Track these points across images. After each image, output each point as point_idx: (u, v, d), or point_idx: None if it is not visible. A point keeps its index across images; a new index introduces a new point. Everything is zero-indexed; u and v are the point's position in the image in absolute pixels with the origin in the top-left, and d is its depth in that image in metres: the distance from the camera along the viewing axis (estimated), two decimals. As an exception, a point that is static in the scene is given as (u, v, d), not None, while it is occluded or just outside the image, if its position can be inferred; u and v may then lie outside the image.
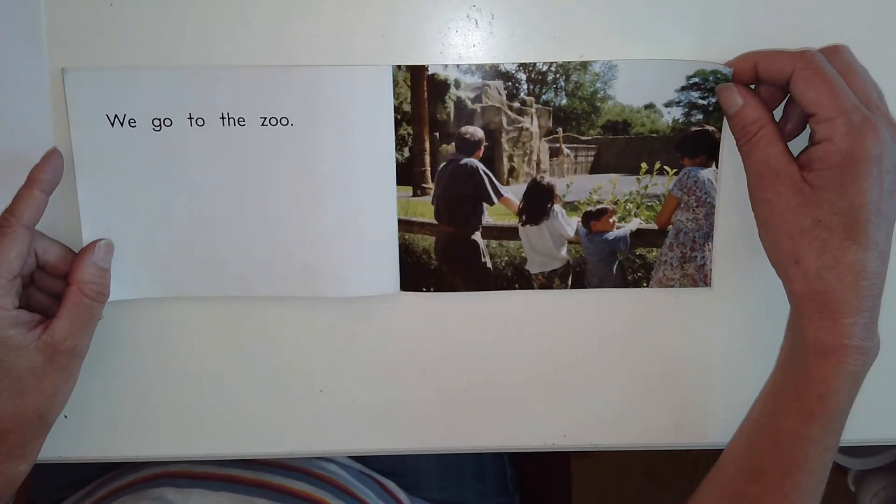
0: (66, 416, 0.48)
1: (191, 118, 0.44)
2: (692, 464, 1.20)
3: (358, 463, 0.64)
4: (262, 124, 0.44)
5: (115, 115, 0.44)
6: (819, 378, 0.41)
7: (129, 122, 0.44)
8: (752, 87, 0.43)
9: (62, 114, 0.44)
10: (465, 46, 0.45)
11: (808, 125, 0.43)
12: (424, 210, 0.46)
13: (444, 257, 0.47)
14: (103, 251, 0.45)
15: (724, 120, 0.44)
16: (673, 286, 0.48)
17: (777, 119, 0.43)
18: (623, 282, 0.48)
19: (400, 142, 0.45)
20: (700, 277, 0.48)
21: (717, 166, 0.46)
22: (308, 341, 0.49)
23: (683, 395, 0.50)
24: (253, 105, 0.44)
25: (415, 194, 0.46)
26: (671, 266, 0.47)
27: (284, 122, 0.44)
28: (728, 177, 0.46)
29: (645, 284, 0.48)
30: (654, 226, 0.47)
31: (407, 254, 0.47)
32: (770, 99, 0.43)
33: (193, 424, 0.50)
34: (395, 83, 0.44)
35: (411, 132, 0.45)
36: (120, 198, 0.45)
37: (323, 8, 0.44)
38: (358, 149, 0.45)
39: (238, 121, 0.44)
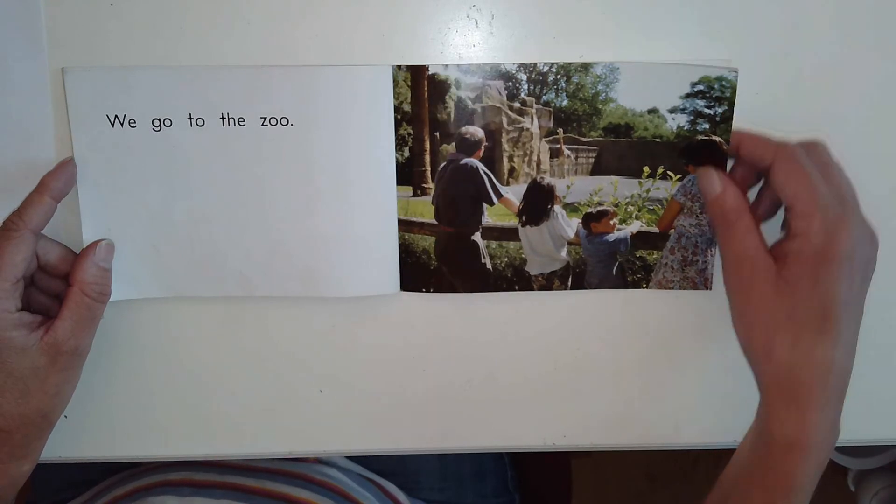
0: (66, 417, 0.48)
1: (191, 118, 0.44)
2: (692, 464, 1.20)
3: (358, 465, 0.64)
4: (262, 124, 0.44)
5: (115, 116, 0.44)
6: (784, 472, 0.41)
7: (129, 123, 0.44)
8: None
9: (62, 114, 0.44)
10: (465, 46, 0.45)
11: (779, 211, 0.45)
12: (424, 210, 0.46)
13: (443, 258, 0.47)
14: (104, 251, 0.45)
15: (732, 130, 0.44)
16: (672, 289, 0.48)
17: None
18: (623, 283, 0.48)
19: (400, 142, 0.45)
20: (700, 281, 0.47)
21: None
22: (308, 341, 0.49)
23: (683, 395, 0.50)
24: (253, 105, 0.44)
25: (415, 194, 0.46)
26: (671, 269, 0.47)
27: (284, 122, 0.44)
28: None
29: (644, 286, 0.48)
30: (655, 229, 0.47)
31: (407, 254, 0.47)
32: (746, 178, 0.44)
33: (193, 424, 0.50)
34: (395, 83, 0.44)
35: (411, 132, 0.45)
36: (120, 198, 0.45)
37: (323, 8, 0.44)
38: (358, 149, 0.45)
39: (238, 121, 0.44)
